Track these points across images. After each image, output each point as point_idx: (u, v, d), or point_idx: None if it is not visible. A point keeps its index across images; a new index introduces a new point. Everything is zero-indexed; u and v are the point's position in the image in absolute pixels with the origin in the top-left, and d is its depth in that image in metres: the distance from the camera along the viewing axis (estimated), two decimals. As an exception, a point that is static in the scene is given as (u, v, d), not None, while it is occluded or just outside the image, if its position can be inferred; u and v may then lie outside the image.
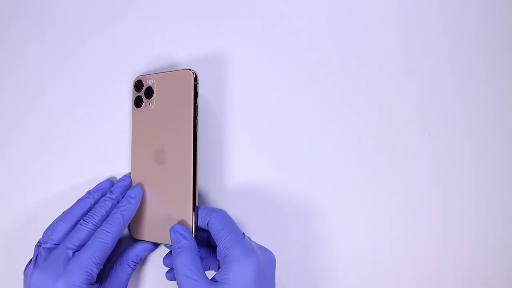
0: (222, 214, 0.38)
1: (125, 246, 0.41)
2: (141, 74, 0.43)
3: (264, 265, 0.37)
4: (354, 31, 0.44)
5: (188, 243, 0.37)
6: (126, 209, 0.39)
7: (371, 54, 0.43)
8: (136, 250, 0.40)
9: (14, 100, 0.43)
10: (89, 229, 0.38)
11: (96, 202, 0.40)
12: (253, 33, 0.44)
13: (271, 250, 0.39)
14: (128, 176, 0.42)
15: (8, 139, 0.43)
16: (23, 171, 0.43)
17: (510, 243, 0.42)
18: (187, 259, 0.36)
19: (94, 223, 0.38)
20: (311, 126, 0.43)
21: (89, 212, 0.39)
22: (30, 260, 0.38)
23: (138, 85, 0.41)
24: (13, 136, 0.43)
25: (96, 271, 0.36)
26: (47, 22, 0.44)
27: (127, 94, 0.43)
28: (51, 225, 0.39)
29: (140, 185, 0.40)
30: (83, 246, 0.37)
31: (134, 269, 0.40)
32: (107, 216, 0.39)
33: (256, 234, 0.42)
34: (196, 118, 0.38)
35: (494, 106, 0.43)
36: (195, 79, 0.38)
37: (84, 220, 0.38)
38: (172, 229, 0.38)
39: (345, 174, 0.43)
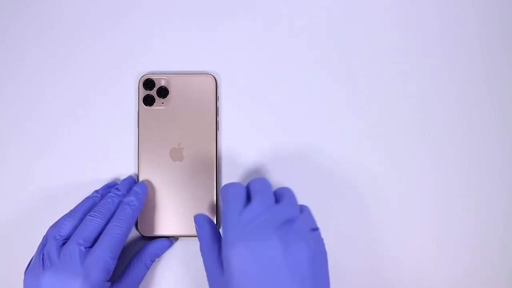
0: (225, 187, 0.37)
1: (141, 245, 0.41)
2: (145, 73, 0.43)
3: (278, 250, 0.31)
4: (354, 31, 0.44)
5: (203, 231, 0.37)
6: (135, 204, 0.39)
7: (371, 54, 0.43)
8: (154, 248, 0.40)
9: (14, 100, 0.43)
10: (97, 224, 0.37)
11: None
12: (253, 33, 0.44)
13: None
14: (132, 176, 0.42)
15: (8, 139, 0.43)
16: (23, 171, 0.43)
17: (510, 243, 0.42)
18: (202, 246, 0.37)
19: (102, 217, 0.37)
20: (311, 126, 0.43)
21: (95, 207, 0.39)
22: (30, 262, 0.38)
23: (147, 83, 0.42)
24: (13, 136, 0.43)
25: (113, 267, 0.36)
26: (47, 22, 0.44)
27: (127, 94, 0.43)
28: (57, 223, 0.38)
29: (146, 181, 0.41)
30: (94, 241, 0.37)
31: (149, 268, 0.40)
32: (115, 211, 0.39)
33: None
34: (217, 118, 0.41)
35: (494, 106, 0.43)
36: (216, 84, 0.42)
37: (90, 216, 0.37)
38: (194, 220, 0.38)
39: (345, 174, 0.43)
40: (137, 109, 0.42)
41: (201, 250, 0.37)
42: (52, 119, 0.43)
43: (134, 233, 0.42)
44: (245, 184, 0.37)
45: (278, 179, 0.43)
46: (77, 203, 0.39)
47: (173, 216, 0.41)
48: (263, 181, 0.36)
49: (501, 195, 0.43)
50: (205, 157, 0.41)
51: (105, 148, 0.43)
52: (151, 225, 0.41)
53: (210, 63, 0.43)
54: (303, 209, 0.35)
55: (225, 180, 0.43)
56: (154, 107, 0.42)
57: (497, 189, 0.43)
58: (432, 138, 0.43)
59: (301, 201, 0.42)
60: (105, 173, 0.43)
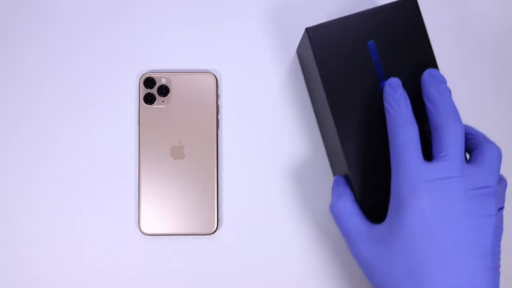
0: (402, 128, 0.33)
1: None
2: (145, 72, 0.43)
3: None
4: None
5: (341, 188, 0.36)
6: None
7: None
8: None
9: (14, 100, 0.43)
10: None
11: None
12: (253, 32, 0.44)
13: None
14: None
15: (8, 139, 0.43)
16: (22, 170, 0.43)
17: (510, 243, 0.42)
18: (345, 202, 0.35)
19: None
20: (312, 124, 0.43)
21: None
22: None
23: (148, 82, 0.42)
24: (13, 135, 0.43)
25: None
26: (47, 22, 0.44)
27: (128, 92, 0.43)
28: None
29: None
30: None
31: None
32: None
33: (261, 235, 0.42)
34: (218, 117, 0.42)
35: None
36: (217, 82, 0.42)
37: None
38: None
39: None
40: (138, 108, 0.42)
41: (338, 206, 0.35)
42: (52, 118, 0.43)
43: (134, 232, 0.42)
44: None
45: (278, 176, 0.43)
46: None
47: (174, 214, 0.41)
48: (461, 132, 0.32)
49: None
50: (206, 155, 0.42)
51: (105, 147, 0.43)
52: (152, 223, 0.41)
53: (211, 61, 0.43)
54: (501, 182, 0.33)
55: (226, 179, 0.43)
56: (154, 106, 0.42)
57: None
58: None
59: (300, 199, 0.42)
60: (105, 171, 0.43)
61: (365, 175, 0.35)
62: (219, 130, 0.42)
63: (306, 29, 0.36)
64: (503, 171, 0.39)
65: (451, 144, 0.31)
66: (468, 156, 0.34)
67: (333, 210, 0.35)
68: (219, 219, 0.42)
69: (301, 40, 0.39)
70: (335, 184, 0.37)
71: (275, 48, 0.44)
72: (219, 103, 0.42)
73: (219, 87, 0.43)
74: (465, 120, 0.33)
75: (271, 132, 0.43)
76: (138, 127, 0.42)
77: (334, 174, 0.42)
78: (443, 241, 0.30)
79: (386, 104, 0.34)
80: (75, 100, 0.43)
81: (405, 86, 0.34)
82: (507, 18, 0.44)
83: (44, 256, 0.42)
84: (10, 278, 0.42)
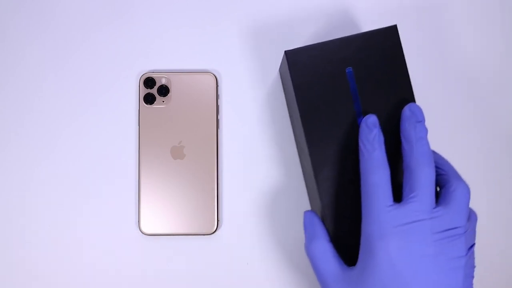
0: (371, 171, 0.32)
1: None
2: (145, 72, 0.43)
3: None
4: (354, 30, 0.44)
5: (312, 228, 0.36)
6: None
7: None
8: None
9: (14, 100, 0.43)
10: None
11: None
12: (253, 31, 0.44)
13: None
14: None
15: (8, 138, 0.43)
16: (22, 170, 0.43)
17: (510, 242, 0.42)
18: (317, 243, 0.35)
19: None
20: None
21: None
22: None
23: (148, 82, 0.42)
24: (13, 135, 0.43)
25: None
26: (47, 22, 0.44)
27: (128, 92, 0.43)
28: None
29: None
30: None
31: None
32: None
33: (263, 235, 0.42)
34: (218, 117, 0.42)
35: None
36: (217, 82, 0.42)
37: None
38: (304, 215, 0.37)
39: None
40: (138, 108, 0.42)
41: (311, 248, 0.35)
42: (52, 118, 0.43)
43: (135, 232, 0.42)
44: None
45: (278, 176, 0.43)
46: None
47: (174, 214, 0.41)
48: (431, 174, 0.32)
49: (502, 194, 0.43)
50: (206, 155, 0.42)
51: (105, 147, 0.43)
52: (152, 223, 0.41)
53: (211, 61, 0.43)
54: (470, 218, 0.33)
55: (226, 179, 0.43)
56: (154, 106, 0.42)
57: (496, 188, 0.43)
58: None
59: (301, 198, 0.42)
60: (105, 171, 0.43)
61: (339, 213, 0.35)
62: (219, 130, 0.42)
63: (285, 52, 0.35)
64: (504, 171, 0.39)
65: (421, 186, 0.32)
66: (438, 188, 0.34)
67: (308, 252, 0.35)
68: (219, 219, 0.42)
69: (281, 62, 0.39)
70: (309, 223, 0.36)
71: (275, 48, 0.43)
72: (219, 103, 0.42)
73: (219, 87, 0.43)
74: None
75: (270, 132, 0.43)
76: (138, 127, 0.42)
77: (310, 202, 0.41)
78: (412, 285, 0.31)
79: (360, 144, 0.33)
80: (75, 100, 0.43)
81: (380, 115, 0.34)
82: (486, 48, 0.44)
83: (44, 256, 0.42)
84: (10, 278, 0.42)
